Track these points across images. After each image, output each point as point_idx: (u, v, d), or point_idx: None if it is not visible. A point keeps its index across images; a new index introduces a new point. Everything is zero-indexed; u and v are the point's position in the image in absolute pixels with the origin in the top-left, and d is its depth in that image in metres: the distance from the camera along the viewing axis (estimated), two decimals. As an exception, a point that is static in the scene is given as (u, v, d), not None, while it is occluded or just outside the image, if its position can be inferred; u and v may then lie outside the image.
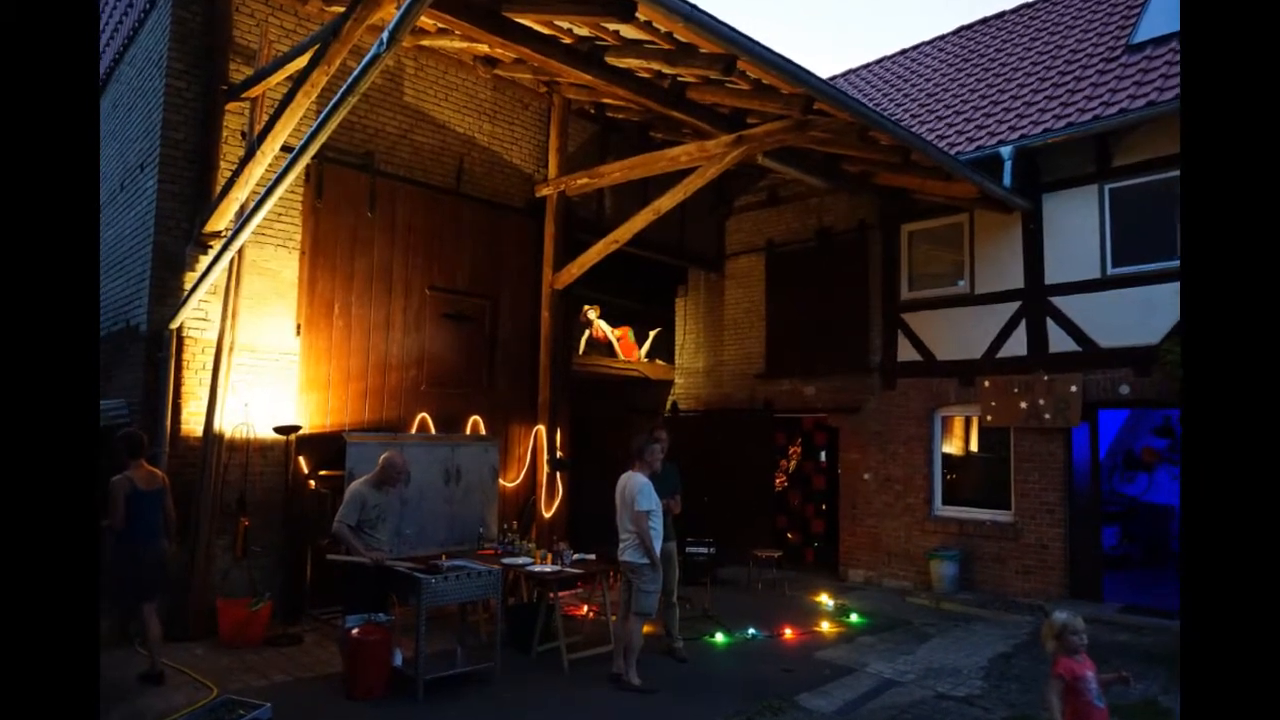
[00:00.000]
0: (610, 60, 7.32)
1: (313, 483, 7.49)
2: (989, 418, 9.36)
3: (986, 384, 9.37)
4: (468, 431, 8.81)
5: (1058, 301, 9.08)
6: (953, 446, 10.20)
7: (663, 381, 12.94)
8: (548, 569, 6.62)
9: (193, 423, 6.93)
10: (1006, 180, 8.92)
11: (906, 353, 10.37)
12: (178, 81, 7.07)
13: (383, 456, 6.04)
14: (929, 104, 11.78)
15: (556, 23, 6.92)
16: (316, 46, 5.98)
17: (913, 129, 10.31)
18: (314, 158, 7.24)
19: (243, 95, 7.18)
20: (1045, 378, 8.92)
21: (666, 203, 8.62)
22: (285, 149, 6.72)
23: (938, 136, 10.27)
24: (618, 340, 11.73)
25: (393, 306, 8.42)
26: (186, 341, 6.96)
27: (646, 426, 9.37)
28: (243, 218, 6.31)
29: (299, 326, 7.66)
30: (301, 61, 6.38)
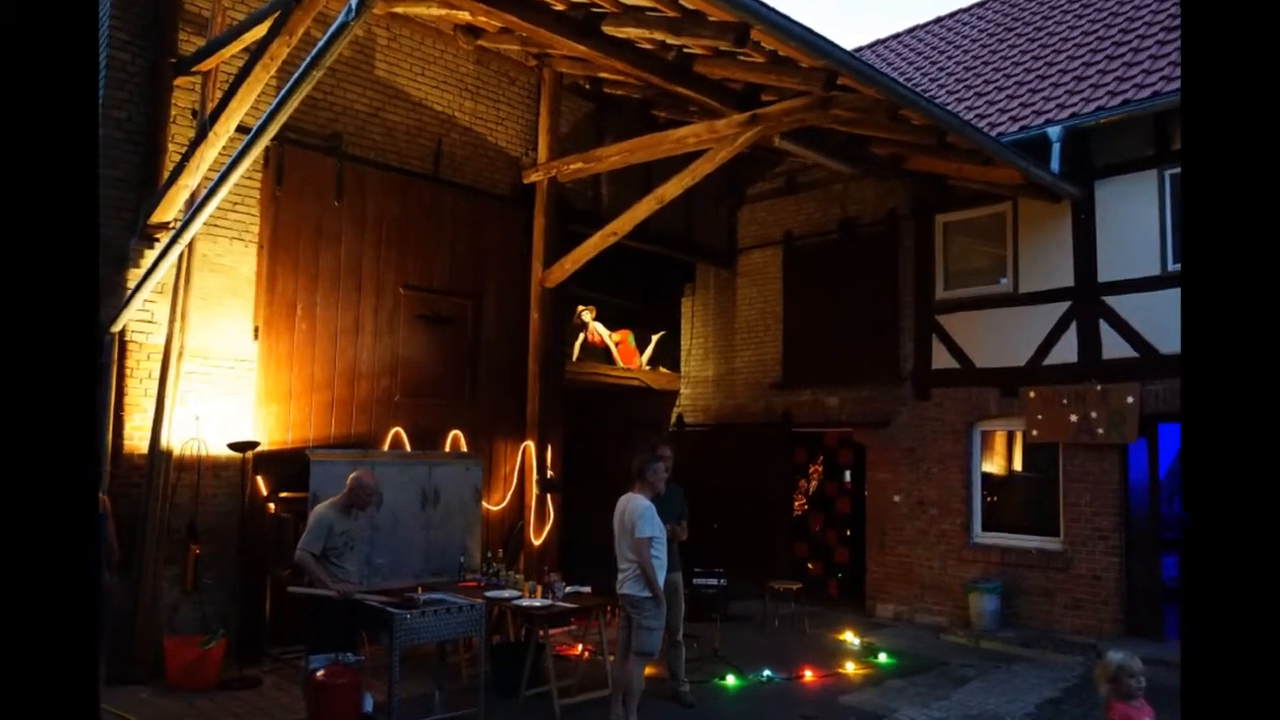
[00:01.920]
0: (608, 29, 7.34)
1: (272, 506, 7.49)
2: (1035, 432, 9.36)
3: (1032, 395, 9.37)
4: (447, 448, 8.82)
5: (1112, 302, 9.09)
6: (994, 465, 10.19)
7: (667, 391, 12.95)
8: (537, 603, 6.62)
9: (137, 438, 6.95)
10: (1054, 165, 8.93)
11: (942, 359, 10.37)
12: (120, 53, 7.09)
13: (351, 476, 6.04)
14: (967, 79, 11.82)
15: (547, -13, 6.96)
16: (276, 14, 5.99)
17: (949, 107, 10.33)
18: (273, 139, 7.23)
19: (193, 69, 7.20)
20: (1098, 388, 8.92)
21: (671, 190, 8.63)
22: (241, 130, 6.71)
23: (977, 115, 10.30)
24: (616, 345, 11.74)
25: (362, 307, 8.43)
26: (130, 346, 6.98)
27: (648, 442, 9.36)
28: (193, 207, 6.32)
29: (257, 330, 7.67)
30: (260, 31, 6.40)
